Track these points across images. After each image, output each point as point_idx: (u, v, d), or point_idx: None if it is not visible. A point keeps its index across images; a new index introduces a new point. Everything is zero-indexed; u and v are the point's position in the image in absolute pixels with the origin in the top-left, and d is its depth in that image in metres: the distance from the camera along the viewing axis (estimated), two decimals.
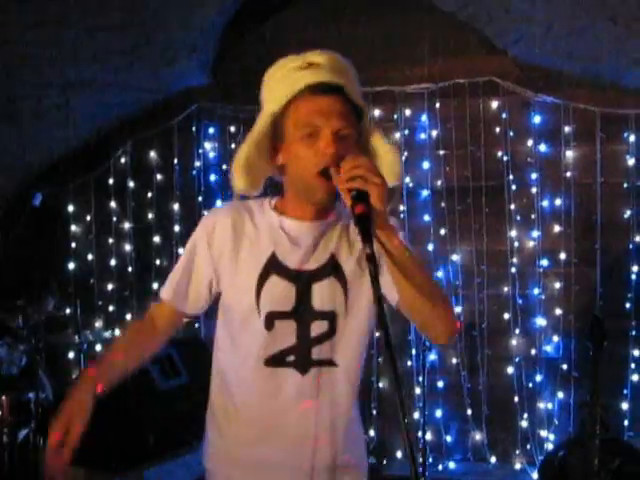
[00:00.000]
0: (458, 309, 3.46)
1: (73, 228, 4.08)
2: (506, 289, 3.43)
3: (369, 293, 1.23)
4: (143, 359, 1.49)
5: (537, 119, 3.43)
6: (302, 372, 1.29)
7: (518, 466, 3.41)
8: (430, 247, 3.51)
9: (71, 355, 3.85)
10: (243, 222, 1.34)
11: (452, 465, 3.48)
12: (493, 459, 3.45)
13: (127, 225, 4.02)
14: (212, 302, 1.44)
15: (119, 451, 2.46)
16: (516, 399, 3.39)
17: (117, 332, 3.98)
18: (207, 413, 1.47)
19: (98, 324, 4.02)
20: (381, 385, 3.53)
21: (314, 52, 1.28)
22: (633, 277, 3.31)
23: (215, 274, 1.36)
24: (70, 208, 4.07)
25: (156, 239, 3.97)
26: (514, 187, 3.46)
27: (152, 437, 2.48)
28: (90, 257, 4.04)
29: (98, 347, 3.95)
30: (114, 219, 4.01)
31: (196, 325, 3.89)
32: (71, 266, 4.06)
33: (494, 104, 3.48)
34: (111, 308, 4.02)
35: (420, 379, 3.13)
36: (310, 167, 1.22)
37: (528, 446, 3.39)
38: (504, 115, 3.45)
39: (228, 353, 1.40)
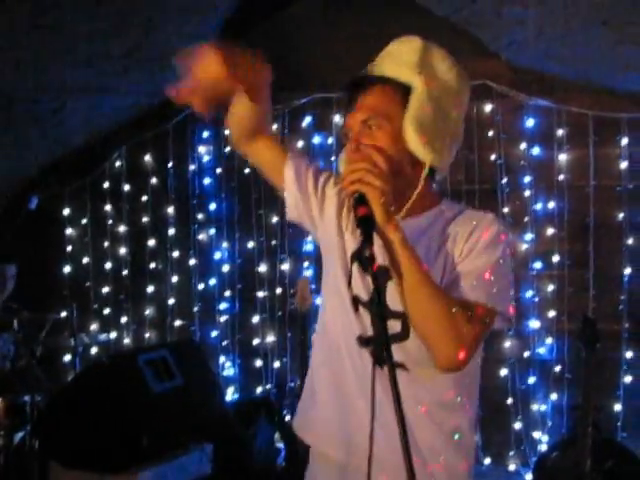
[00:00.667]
0: None
1: (69, 231, 4.09)
2: None
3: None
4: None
5: (530, 122, 3.44)
6: (380, 366, 1.19)
7: (512, 467, 3.42)
8: None
9: (67, 358, 3.86)
10: (340, 204, 1.35)
11: None
12: (487, 460, 3.46)
13: (122, 228, 4.02)
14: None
15: (113, 453, 2.46)
16: (510, 401, 3.41)
17: (113, 335, 3.99)
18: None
19: (94, 327, 4.02)
20: None
21: (391, 43, 1.34)
22: (625, 279, 3.32)
23: (314, 217, 1.37)
24: (66, 211, 4.08)
25: (151, 242, 3.98)
26: (507, 190, 3.48)
27: (146, 439, 2.49)
28: (85, 260, 4.05)
29: (94, 350, 3.97)
30: (109, 222, 4.02)
31: (191, 328, 3.90)
32: (67, 269, 4.07)
33: (487, 107, 3.49)
34: (107, 311, 4.03)
35: None
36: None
37: (522, 447, 3.40)
38: (497, 118, 3.47)
39: (329, 316, 1.35)
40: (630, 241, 3.33)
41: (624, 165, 3.35)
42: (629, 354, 3.31)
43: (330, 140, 3.70)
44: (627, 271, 3.33)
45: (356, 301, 1.23)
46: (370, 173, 1.11)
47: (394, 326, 1.22)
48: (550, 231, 3.44)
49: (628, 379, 3.30)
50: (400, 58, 1.27)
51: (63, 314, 3.70)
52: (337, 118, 3.65)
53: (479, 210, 1.29)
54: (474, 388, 1.33)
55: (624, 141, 3.34)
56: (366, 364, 1.21)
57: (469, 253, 1.21)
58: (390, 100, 1.24)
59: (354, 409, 1.28)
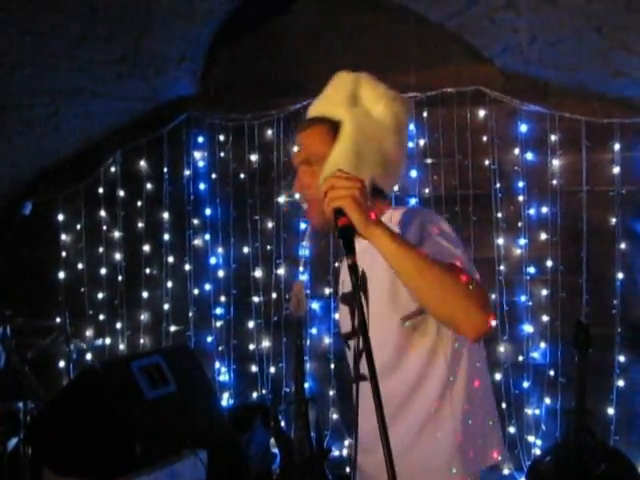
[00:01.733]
0: None
1: (63, 237, 4.06)
2: (493, 296, 3.44)
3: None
4: None
5: (523, 128, 3.44)
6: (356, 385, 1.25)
7: (506, 471, 3.42)
8: None
9: (61, 364, 3.83)
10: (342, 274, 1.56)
11: None
12: None
13: (117, 234, 4.00)
14: None
15: (107, 460, 2.44)
16: (504, 405, 3.40)
17: (107, 341, 3.97)
18: None
19: (88, 333, 4.00)
20: None
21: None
22: (618, 284, 3.33)
23: None
24: (60, 217, 4.06)
25: (146, 247, 3.96)
26: (501, 195, 3.48)
27: (139, 446, 2.47)
28: (80, 266, 4.02)
29: (88, 356, 3.94)
30: (104, 228, 4.00)
31: (187, 334, 3.88)
32: (61, 275, 4.04)
33: (481, 113, 3.50)
34: (101, 317, 4.00)
35: None
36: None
37: (516, 451, 3.40)
38: (491, 124, 3.47)
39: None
40: (623, 246, 3.33)
41: (617, 170, 3.35)
42: (622, 358, 3.31)
43: None
44: (620, 276, 3.33)
45: (346, 337, 1.36)
46: (337, 187, 1.15)
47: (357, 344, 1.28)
48: (543, 236, 3.44)
49: (621, 383, 3.30)
50: (332, 97, 1.41)
51: (57, 320, 3.69)
52: None
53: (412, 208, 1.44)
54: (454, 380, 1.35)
55: (616, 146, 3.34)
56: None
57: (422, 242, 1.28)
58: (322, 139, 1.39)
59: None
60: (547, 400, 3.39)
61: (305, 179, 1.44)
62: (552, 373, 3.38)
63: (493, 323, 1.16)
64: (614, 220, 3.34)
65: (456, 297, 1.13)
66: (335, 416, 3.62)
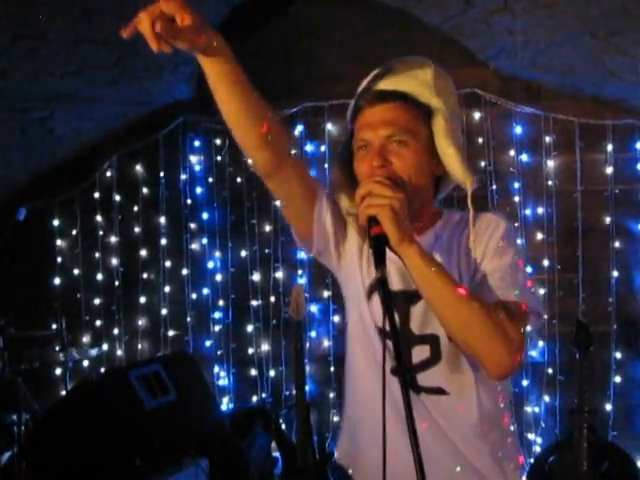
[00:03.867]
0: None
1: (59, 242, 3.90)
2: None
3: None
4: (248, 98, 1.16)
5: (518, 129, 3.38)
6: (416, 392, 1.14)
7: None
8: None
9: (58, 372, 3.67)
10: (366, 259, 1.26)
11: None
12: None
13: (113, 239, 3.85)
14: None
15: (106, 473, 2.30)
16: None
17: (105, 347, 3.81)
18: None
19: (85, 339, 3.84)
20: None
21: (394, 60, 1.23)
22: (613, 282, 3.27)
23: (336, 246, 1.25)
24: (56, 222, 3.90)
25: (143, 252, 3.81)
26: (497, 196, 3.40)
27: (139, 459, 2.33)
28: (76, 271, 3.87)
29: (85, 363, 3.78)
30: (100, 233, 3.85)
31: (185, 339, 3.74)
32: (57, 281, 3.88)
33: (476, 115, 3.42)
34: (98, 323, 3.85)
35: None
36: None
37: None
38: (486, 126, 3.39)
39: (357, 351, 1.26)
40: (617, 245, 3.28)
41: (610, 170, 3.30)
42: (618, 355, 3.26)
43: (322, 148, 3.59)
44: (615, 274, 3.27)
45: (383, 333, 1.13)
46: (377, 195, 1.03)
47: (423, 351, 1.14)
48: (539, 236, 3.38)
49: (618, 379, 3.24)
50: (417, 78, 1.18)
51: (53, 326, 3.54)
52: (329, 126, 3.54)
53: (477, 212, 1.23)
54: (507, 397, 1.25)
55: (609, 147, 3.29)
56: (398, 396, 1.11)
57: (488, 253, 1.15)
58: (413, 117, 1.17)
59: (396, 448, 1.13)
60: (546, 398, 3.32)
61: (393, 157, 1.12)
62: (550, 371, 3.31)
63: (517, 359, 1.05)
64: (608, 219, 3.29)
65: (482, 335, 1.04)
66: (336, 418, 3.50)
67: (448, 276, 1.07)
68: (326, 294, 3.57)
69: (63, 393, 3.31)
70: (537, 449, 3.28)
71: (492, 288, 1.11)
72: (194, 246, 3.77)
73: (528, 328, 1.13)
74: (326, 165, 3.53)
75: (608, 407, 3.22)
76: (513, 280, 1.12)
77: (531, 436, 3.32)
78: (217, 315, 3.73)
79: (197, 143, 3.75)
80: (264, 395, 3.62)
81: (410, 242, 1.04)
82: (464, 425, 1.15)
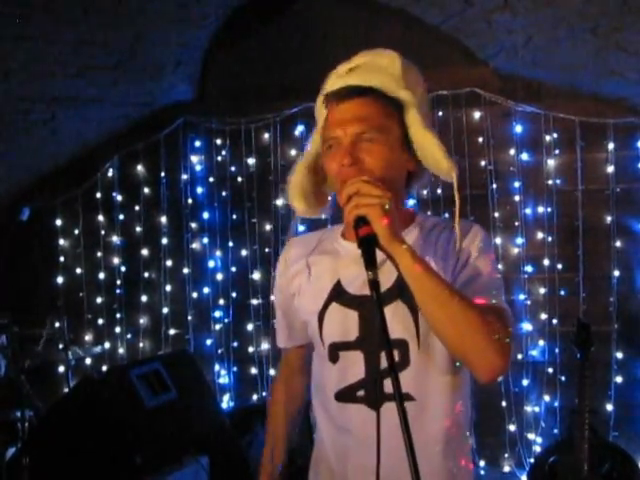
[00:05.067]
0: None
1: (61, 242, 3.87)
2: None
3: None
4: (300, 409, 1.39)
5: (518, 128, 3.30)
6: (374, 408, 1.08)
7: (507, 469, 3.27)
8: None
9: (60, 370, 3.64)
10: (308, 254, 1.23)
11: None
12: (482, 463, 3.30)
13: (115, 238, 3.82)
14: None
15: (107, 471, 2.27)
16: (503, 403, 3.25)
17: (107, 345, 3.78)
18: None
19: (87, 337, 3.81)
20: None
21: (360, 54, 1.15)
22: (614, 281, 3.19)
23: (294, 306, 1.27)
24: (58, 222, 3.87)
25: (144, 252, 3.77)
26: (497, 195, 3.33)
27: (140, 457, 2.30)
28: (79, 271, 3.83)
29: (88, 361, 3.75)
30: (102, 233, 3.81)
31: (186, 337, 3.70)
32: (60, 280, 3.85)
33: (476, 114, 3.35)
34: (100, 321, 3.81)
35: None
36: (336, 180, 1.10)
37: (516, 449, 3.25)
38: (486, 125, 3.33)
39: (314, 376, 1.27)
40: (618, 244, 3.20)
41: (611, 169, 3.22)
42: (619, 354, 3.18)
43: None
44: (616, 273, 3.19)
45: (335, 348, 1.13)
46: (366, 194, 0.98)
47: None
48: (540, 235, 3.30)
49: (619, 379, 3.16)
50: (384, 71, 1.11)
51: (56, 325, 3.51)
52: None
53: (449, 217, 1.22)
54: (469, 404, 1.20)
55: (610, 146, 3.21)
56: (350, 419, 1.13)
57: (469, 257, 1.10)
58: (384, 112, 1.10)
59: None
60: (546, 397, 3.25)
61: (364, 155, 1.06)
62: (551, 371, 3.24)
63: (507, 361, 1.01)
64: (609, 218, 3.21)
65: (474, 335, 0.99)
66: None
67: (439, 276, 1.02)
68: None
69: (66, 391, 3.29)
70: (537, 449, 3.21)
71: (475, 293, 1.06)
72: (195, 245, 3.73)
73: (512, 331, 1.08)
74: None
75: (609, 407, 3.14)
76: (495, 286, 1.10)
77: (531, 436, 3.25)
78: (218, 314, 3.68)
79: (198, 143, 3.70)
80: (264, 393, 3.57)
81: (401, 241, 0.99)
82: (425, 434, 1.10)
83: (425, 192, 3.39)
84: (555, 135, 3.26)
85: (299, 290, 1.22)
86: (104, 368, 3.71)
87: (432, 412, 1.11)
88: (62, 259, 3.86)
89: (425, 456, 1.05)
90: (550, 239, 3.28)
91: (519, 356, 3.29)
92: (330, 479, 1.19)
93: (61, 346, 3.11)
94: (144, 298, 3.76)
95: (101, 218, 3.82)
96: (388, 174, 1.08)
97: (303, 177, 1.19)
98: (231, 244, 3.66)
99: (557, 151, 3.28)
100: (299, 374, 1.34)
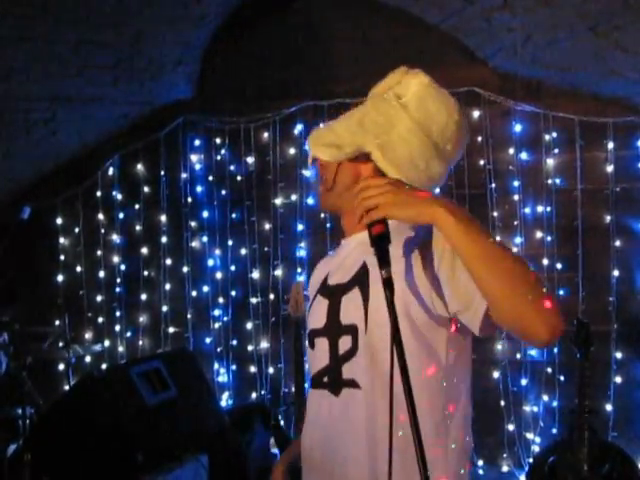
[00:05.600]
0: None
1: (62, 240, 3.86)
2: None
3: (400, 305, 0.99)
4: None
5: (518, 128, 3.27)
6: (335, 394, 1.10)
7: (505, 469, 3.24)
8: None
9: (61, 367, 3.64)
10: (322, 268, 1.29)
11: None
12: (480, 462, 3.28)
13: (115, 237, 3.81)
14: None
15: (107, 468, 2.26)
16: (502, 403, 3.23)
17: (106, 343, 3.77)
18: None
19: (87, 335, 3.80)
20: None
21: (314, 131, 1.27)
22: (614, 281, 3.17)
23: None
24: (59, 221, 3.86)
25: (144, 250, 3.76)
26: (496, 195, 3.30)
27: (141, 455, 2.29)
28: (79, 269, 3.82)
29: (88, 359, 3.75)
30: (102, 231, 3.80)
31: (185, 335, 3.69)
32: (60, 278, 3.84)
33: (475, 114, 3.32)
34: (100, 319, 3.80)
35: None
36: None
37: (515, 449, 3.23)
38: (485, 124, 3.30)
39: None
40: (618, 243, 3.17)
41: (610, 168, 3.19)
42: (619, 354, 3.15)
43: None
44: (615, 273, 3.17)
45: (312, 335, 1.16)
46: (374, 188, 0.98)
47: (346, 342, 1.10)
48: (539, 234, 3.27)
49: (618, 379, 3.14)
50: (326, 135, 1.23)
51: (57, 322, 3.51)
52: None
53: None
54: (451, 400, 1.10)
55: (610, 145, 3.18)
56: (318, 403, 1.14)
57: (443, 250, 1.03)
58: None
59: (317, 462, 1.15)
60: (545, 397, 3.22)
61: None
62: (550, 370, 3.21)
63: (562, 320, 0.93)
64: (609, 218, 3.18)
65: (529, 291, 0.91)
66: None
67: (486, 231, 0.96)
68: None
69: (66, 388, 3.28)
70: (535, 449, 3.18)
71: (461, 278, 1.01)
72: (194, 244, 3.71)
73: None
74: None
75: (608, 407, 3.11)
76: None
77: (530, 435, 3.22)
78: (217, 312, 3.66)
79: (197, 142, 3.69)
80: (263, 392, 3.56)
81: (430, 204, 0.94)
82: (369, 422, 1.05)
83: None
84: (554, 134, 3.24)
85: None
86: (104, 366, 3.70)
87: (380, 402, 1.03)
88: (62, 257, 3.85)
89: (376, 446, 1.03)
90: (549, 238, 3.25)
91: (517, 355, 3.27)
92: (308, 468, 1.18)
93: (61, 344, 3.11)
94: (144, 296, 3.75)
95: (101, 217, 3.81)
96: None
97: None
98: (230, 243, 3.65)
99: (556, 150, 3.25)
100: None
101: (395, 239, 1.02)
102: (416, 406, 0.92)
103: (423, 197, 0.96)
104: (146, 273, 3.75)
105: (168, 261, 3.73)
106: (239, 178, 3.62)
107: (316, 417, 1.15)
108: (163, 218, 3.74)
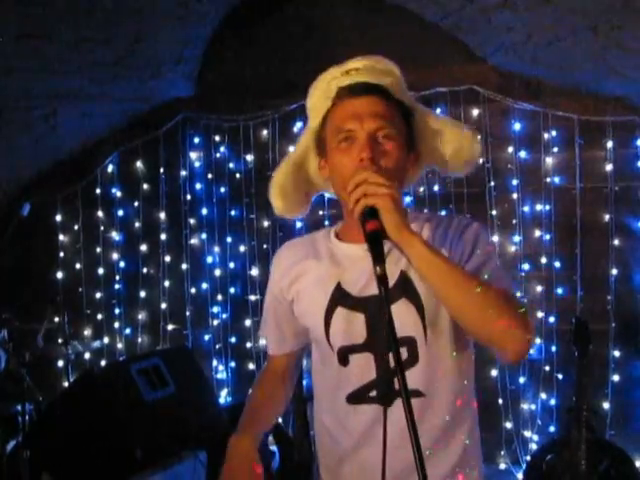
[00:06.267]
0: None
1: (61, 237, 3.85)
2: None
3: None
4: (280, 408, 1.33)
5: (517, 126, 3.26)
6: (387, 406, 1.07)
7: (503, 466, 3.24)
8: None
9: (60, 364, 3.63)
10: (302, 258, 1.20)
11: None
12: None
13: (114, 234, 3.79)
14: None
15: (106, 464, 2.26)
16: (500, 400, 3.23)
17: (106, 340, 3.77)
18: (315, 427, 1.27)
19: (86, 332, 3.80)
20: None
21: (354, 59, 1.12)
22: (612, 279, 3.16)
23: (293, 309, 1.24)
24: (58, 218, 3.84)
25: (143, 247, 3.75)
26: (495, 193, 3.29)
27: (140, 451, 2.29)
28: (78, 266, 3.81)
29: (87, 355, 3.74)
30: (101, 228, 3.79)
31: (184, 333, 3.69)
32: (59, 275, 3.83)
33: (475, 112, 3.31)
34: (99, 316, 3.80)
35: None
36: (348, 176, 1.04)
37: (513, 446, 3.22)
38: (485, 122, 3.29)
39: (318, 380, 1.23)
40: (616, 242, 3.16)
41: (609, 167, 3.18)
42: (616, 353, 3.15)
43: None
44: (614, 271, 3.16)
45: (344, 352, 1.11)
46: (376, 184, 0.96)
47: (401, 354, 1.06)
48: (538, 233, 3.26)
49: (616, 378, 3.13)
50: (391, 74, 1.10)
51: (56, 320, 3.50)
52: None
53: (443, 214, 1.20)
54: (474, 394, 1.21)
55: (609, 144, 3.17)
56: (363, 419, 1.11)
57: (472, 250, 1.09)
58: (395, 112, 1.11)
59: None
60: (543, 395, 3.21)
61: (380, 151, 1.05)
62: (547, 368, 3.21)
63: (532, 339, 1.01)
64: (607, 216, 3.17)
65: (498, 314, 0.97)
66: None
67: (452, 261, 1.01)
68: None
69: (65, 385, 3.28)
70: (533, 446, 3.17)
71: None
72: (193, 241, 3.70)
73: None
74: None
75: (606, 405, 3.10)
76: (501, 273, 1.10)
77: (527, 433, 3.22)
78: (216, 309, 3.65)
79: (197, 140, 3.67)
80: None
81: (411, 231, 0.98)
82: (441, 430, 1.10)
83: (421, 189, 3.36)
84: (554, 133, 3.23)
85: (297, 296, 1.19)
86: (103, 363, 3.70)
87: (440, 407, 1.11)
88: (62, 254, 3.83)
89: (433, 451, 1.08)
90: (548, 237, 3.24)
91: None
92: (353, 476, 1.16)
93: (60, 341, 3.10)
94: (143, 293, 3.74)
95: (100, 214, 3.80)
96: (397, 171, 1.08)
97: (286, 176, 1.18)
98: (229, 240, 3.64)
99: (556, 149, 3.25)
100: (283, 380, 1.31)
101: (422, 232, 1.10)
102: (454, 400, 1.08)
103: (406, 221, 0.99)
104: (145, 270, 3.74)
105: (167, 258, 3.72)
106: (238, 176, 3.61)
107: (354, 431, 1.12)
108: (162, 215, 3.73)
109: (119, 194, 3.78)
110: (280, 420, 3.30)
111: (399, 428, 1.01)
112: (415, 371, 1.08)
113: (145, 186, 3.75)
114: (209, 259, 3.67)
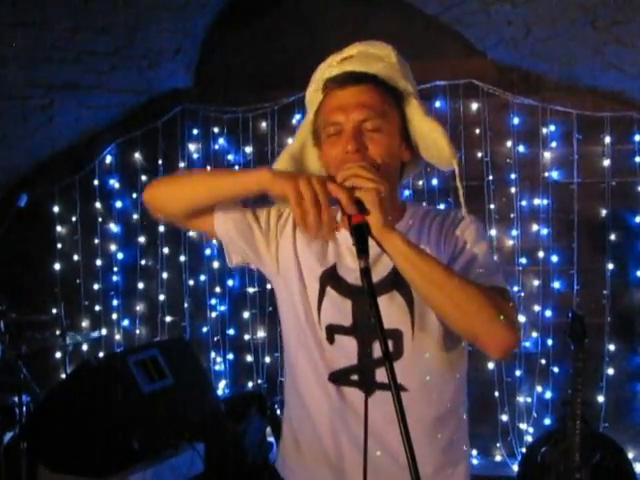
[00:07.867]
0: None
1: (59, 229, 3.84)
2: None
3: None
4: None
5: (516, 120, 3.27)
6: (367, 394, 1.07)
7: (498, 458, 3.27)
8: None
9: (57, 355, 3.63)
10: (305, 247, 1.17)
11: None
12: (474, 452, 3.30)
13: (112, 225, 3.79)
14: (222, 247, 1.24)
15: (103, 456, 2.27)
16: (496, 393, 3.25)
17: (103, 332, 3.77)
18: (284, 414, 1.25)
19: (84, 324, 3.80)
20: None
21: (352, 45, 1.12)
22: (608, 274, 3.18)
23: (265, 254, 1.17)
24: (56, 209, 3.82)
25: (141, 239, 3.74)
26: (493, 187, 3.30)
27: (137, 443, 2.30)
28: (76, 257, 3.80)
29: (84, 347, 3.75)
30: (99, 220, 3.78)
31: (182, 324, 3.69)
32: (57, 266, 3.82)
33: (474, 106, 3.31)
34: (97, 308, 3.79)
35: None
36: (335, 168, 1.04)
37: (508, 439, 3.25)
38: (484, 116, 3.29)
39: (293, 360, 1.20)
40: (613, 237, 3.18)
41: (607, 162, 3.19)
42: (611, 347, 3.17)
43: None
44: (610, 266, 3.18)
45: (331, 330, 1.10)
46: (363, 177, 0.96)
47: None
48: (535, 227, 3.28)
49: (610, 371, 3.16)
50: (383, 60, 1.09)
51: (53, 311, 3.50)
52: None
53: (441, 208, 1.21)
54: (465, 388, 1.21)
55: (607, 139, 3.18)
56: (344, 400, 1.10)
57: (464, 244, 1.10)
58: (385, 100, 1.09)
59: (344, 457, 1.12)
60: (538, 388, 3.24)
61: (367, 142, 1.05)
62: (543, 362, 3.23)
63: (518, 336, 1.01)
64: (604, 211, 3.19)
65: (479, 312, 0.98)
66: None
67: (434, 258, 1.01)
68: None
69: (63, 376, 3.28)
70: (529, 439, 3.20)
71: (474, 276, 1.06)
72: (192, 233, 3.70)
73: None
74: None
75: (600, 399, 3.13)
76: (492, 268, 1.09)
77: (523, 426, 3.25)
78: (214, 301, 3.66)
79: (195, 131, 3.65)
80: (260, 381, 3.56)
81: (392, 228, 0.98)
82: (417, 423, 1.07)
83: (420, 182, 3.37)
84: (552, 128, 3.23)
85: (285, 253, 1.16)
86: (101, 354, 3.70)
87: (425, 402, 1.10)
88: (59, 246, 3.82)
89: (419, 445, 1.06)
90: (545, 231, 3.26)
91: None
92: (320, 456, 1.15)
93: (58, 332, 3.10)
94: (141, 285, 3.74)
95: (98, 205, 3.78)
96: (388, 163, 1.07)
97: (285, 168, 1.17)
98: None
99: (554, 144, 3.25)
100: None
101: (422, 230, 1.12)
102: (442, 396, 1.09)
103: (388, 219, 0.98)
104: (143, 262, 3.73)
105: (165, 250, 3.72)
106: (237, 167, 3.61)
107: (343, 408, 1.11)
108: None
109: (117, 185, 3.77)
110: (278, 412, 3.32)
111: (385, 420, 1.03)
112: (398, 365, 1.05)
113: (143, 177, 3.74)
114: (207, 251, 3.67)
